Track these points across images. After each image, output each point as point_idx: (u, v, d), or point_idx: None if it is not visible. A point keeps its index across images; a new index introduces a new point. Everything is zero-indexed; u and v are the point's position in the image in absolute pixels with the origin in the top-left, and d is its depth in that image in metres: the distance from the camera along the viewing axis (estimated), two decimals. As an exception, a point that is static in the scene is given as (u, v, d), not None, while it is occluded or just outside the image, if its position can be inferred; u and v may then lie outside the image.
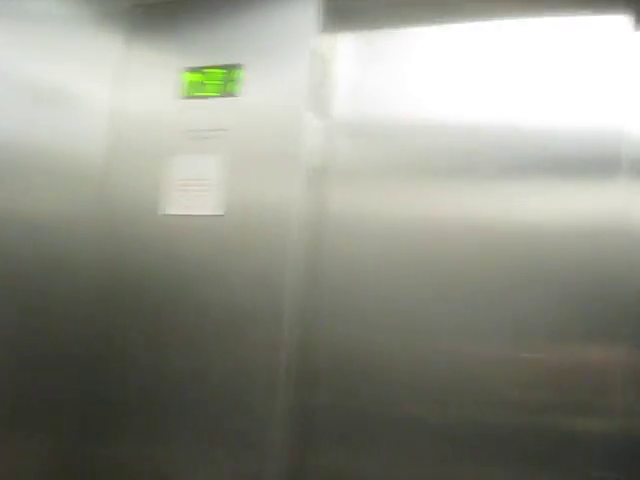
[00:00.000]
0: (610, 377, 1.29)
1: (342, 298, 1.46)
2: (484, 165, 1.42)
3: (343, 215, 1.49)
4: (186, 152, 1.49)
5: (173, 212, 1.48)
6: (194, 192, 1.47)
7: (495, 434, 1.33)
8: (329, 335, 1.45)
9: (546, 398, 1.32)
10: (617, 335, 1.30)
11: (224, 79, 1.49)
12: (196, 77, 1.51)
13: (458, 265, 1.40)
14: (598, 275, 1.32)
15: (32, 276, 1.37)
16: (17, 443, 1.39)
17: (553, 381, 1.32)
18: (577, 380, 1.31)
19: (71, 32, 1.46)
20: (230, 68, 1.49)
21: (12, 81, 1.32)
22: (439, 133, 1.45)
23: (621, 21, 1.39)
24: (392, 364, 1.41)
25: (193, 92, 1.51)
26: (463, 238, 1.40)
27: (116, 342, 1.48)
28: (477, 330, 1.37)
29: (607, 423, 1.28)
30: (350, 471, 1.40)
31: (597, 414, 1.29)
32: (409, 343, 1.41)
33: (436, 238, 1.42)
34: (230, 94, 1.48)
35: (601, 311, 1.31)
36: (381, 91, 1.51)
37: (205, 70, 1.50)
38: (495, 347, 1.37)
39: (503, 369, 1.35)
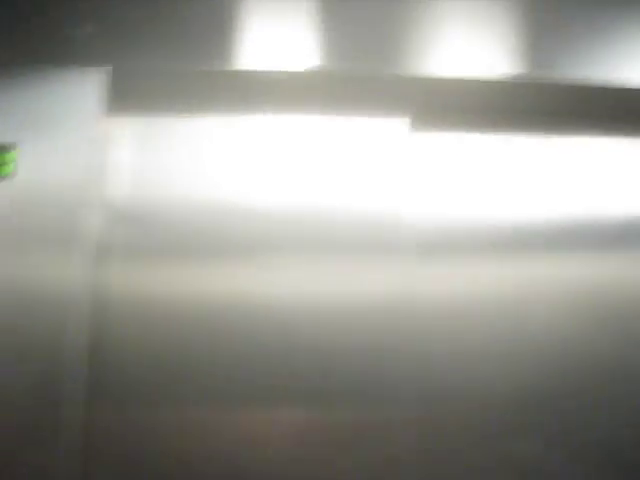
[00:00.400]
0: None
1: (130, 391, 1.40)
2: (264, 246, 1.45)
3: (126, 301, 1.43)
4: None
5: None
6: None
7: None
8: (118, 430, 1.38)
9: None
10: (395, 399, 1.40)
11: (-7, 160, 1.34)
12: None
13: (243, 343, 1.41)
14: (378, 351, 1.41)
15: None
16: None
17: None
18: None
19: None
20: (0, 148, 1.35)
21: None
22: (217, 216, 1.46)
23: (399, 124, 1.50)
24: (178, 454, 1.38)
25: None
26: (243, 317, 1.42)
27: None
28: (270, 405, 1.40)
29: None
30: None
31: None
32: (190, 428, 1.39)
33: (214, 317, 1.42)
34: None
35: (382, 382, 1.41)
36: (158, 176, 1.48)
37: (-31, 149, 1.35)
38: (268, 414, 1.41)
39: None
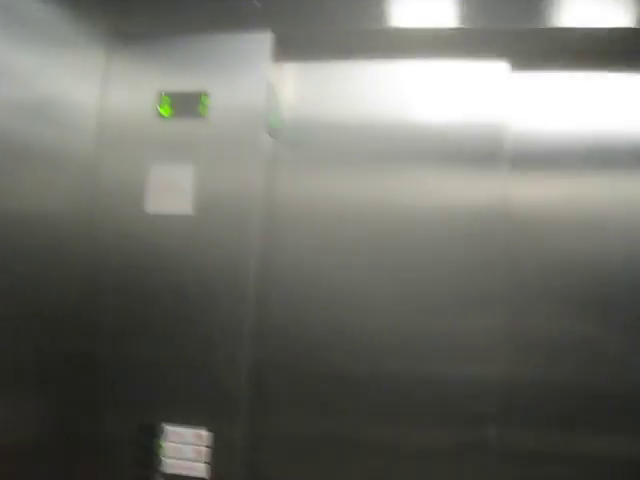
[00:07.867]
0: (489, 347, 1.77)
1: (291, 275, 1.88)
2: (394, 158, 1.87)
3: (290, 203, 1.91)
4: (164, 161, 1.84)
5: (153, 211, 1.83)
6: (171, 194, 1.82)
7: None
8: (282, 308, 1.86)
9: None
10: (495, 303, 1.78)
11: (194, 102, 1.83)
12: (170, 100, 1.85)
13: (390, 248, 1.83)
14: (484, 254, 1.81)
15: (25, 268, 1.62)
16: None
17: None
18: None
19: (59, 41, 1.74)
20: (198, 94, 1.84)
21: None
22: (356, 130, 1.91)
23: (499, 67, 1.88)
24: (336, 336, 1.82)
25: (168, 112, 1.85)
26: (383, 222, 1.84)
27: (103, 328, 1.81)
28: (403, 304, 1.80)
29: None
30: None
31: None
32: (348, 317, 1.82)
33: (370, 222, 1.85)
34: (199, 115, 1.84)
35: (485, 285, 1.79)
36: (314, 105, 1.94)
37: (178, 94, 1.85)
38: (402, 317, 1.80)
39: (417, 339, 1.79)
